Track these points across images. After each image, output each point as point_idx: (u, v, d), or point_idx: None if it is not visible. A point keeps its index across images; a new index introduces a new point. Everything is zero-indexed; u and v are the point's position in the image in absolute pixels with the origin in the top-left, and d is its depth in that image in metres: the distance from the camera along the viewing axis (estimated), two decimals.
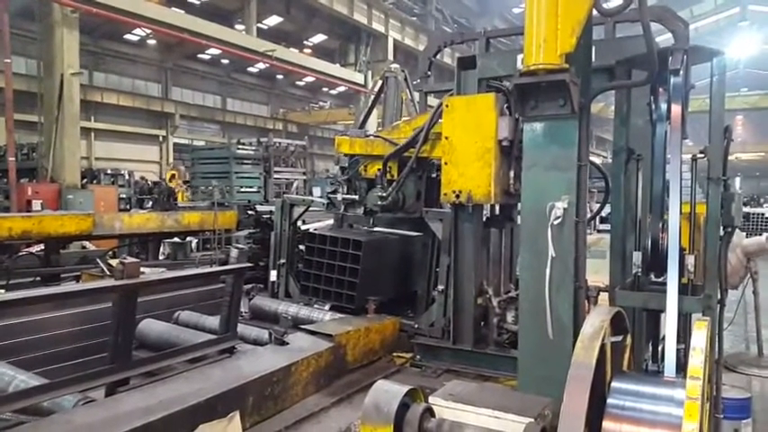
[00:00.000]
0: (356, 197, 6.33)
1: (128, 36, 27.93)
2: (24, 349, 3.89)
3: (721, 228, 3.34)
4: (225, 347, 4.32)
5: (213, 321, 5.06)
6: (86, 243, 10.80)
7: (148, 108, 29.16)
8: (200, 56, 31.19)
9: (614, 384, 2.14)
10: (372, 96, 7.19)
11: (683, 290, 3.44)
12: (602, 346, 2.10)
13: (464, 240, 5.29)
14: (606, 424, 2.05)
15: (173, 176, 15.38)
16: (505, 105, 4.71)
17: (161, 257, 11.16)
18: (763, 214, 19.68)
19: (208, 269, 5.80)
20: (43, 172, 13.02)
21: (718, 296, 3.34)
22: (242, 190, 17.19)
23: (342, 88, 31.56)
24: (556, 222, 3.04)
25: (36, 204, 11.15)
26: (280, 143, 19.71)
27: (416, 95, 6.83)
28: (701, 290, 3.36)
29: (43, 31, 13.40)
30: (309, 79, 33.09)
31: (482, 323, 5.42)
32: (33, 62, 15.81)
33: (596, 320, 2.11)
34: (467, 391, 3.01)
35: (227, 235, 9.88)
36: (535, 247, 3.14)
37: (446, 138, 4.90)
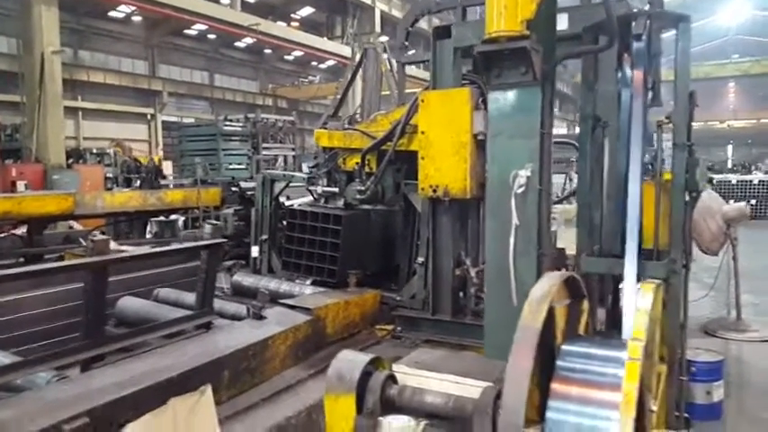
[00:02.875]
0: (336, 190, 6.30)
1: (112, 13, 27.53)
2: None
3: (686, 193, 3.36)
4: (201, 323, 4.35)
5: (192, 298, 5.07)
6: (73, 223, 10.80)
7: (135, 86, 28.88)
8: (186, 32, 30.79)
9: (564, 347, 2.17)
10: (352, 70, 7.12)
11: (648, 255, 3.47)
12: (551, 310, 2.12)
13: (441, 215, 5.31)
14: (555, 386, 2.09)
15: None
16: (480, 99, 4.69)
17: (148, 236, 11.17)
18: (751, 181, 19.74)
19: (180, 245, 5.79)
20: (27, 152, 12.93)
21: (683, 261, 3.37)
22: (230, 167, 17.12)
23: (331, 62, 31.34)
24: (519, 191, 3.05)
25: (20, 185, 11.08)
26: (267, 119, 19.60)
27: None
28: (667, 255, 3.39)
29: (21, 9, 13.17)
30: (298, 54, 32.77)
31: (461, 293, 5.46)
32: (14, 41, 15.59)
33: (545, 285, 2.13)
34: (432, 358, 3.05)
35: (216, 213, 9.88)
36: (500, 215, 3.15)
37: (422, 132, 4.90)
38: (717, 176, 20.32)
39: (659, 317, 2.32)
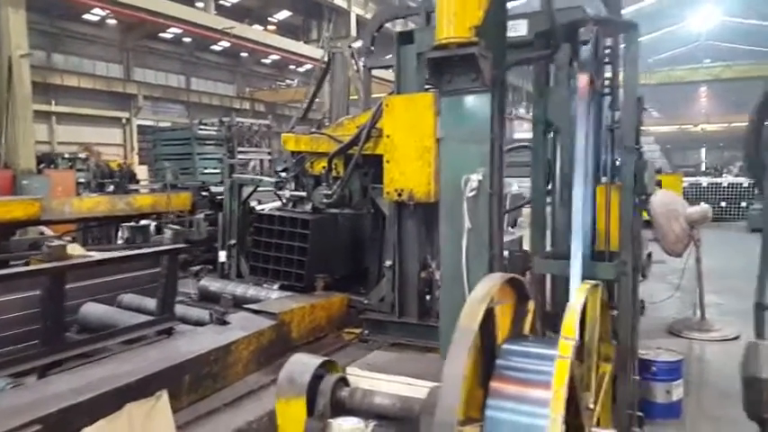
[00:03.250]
0: (304, 194, 6.32)
1: (86, 16, 27.20)
2: None
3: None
4: (162, 329, 4.34)
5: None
6: (45, 228, 10.66)
7: (110, 90, 28.54)
8: (161, 35, 30.54)
9: (504, 346, 2.22)
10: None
11: (600, 257, 3.55)
12: (491, 311, 2.17)
13: (407, 218, 5.35)
14: (493, 384, 2.14)
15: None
16: None
17: (120, 241, 11.07)
18: (720, 184, 20.09)
19: (139, 251, 5.76)
20: None
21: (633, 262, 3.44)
22: (205, 171, 16.97)
23: (309, 66, 31.23)
24: (471, 194, 3.10)
25: None
26: (242, 123, 19.44)
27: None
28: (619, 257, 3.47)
29: None
30: (275, 57, 32.67)
31: (427, 296, 5.50)
32: None
33: (484, 287, 2.18)
34: (385, 360, 3.10)
35: (188, 218, 9.83)
36: (453, 218, 3.20)
37: (387, 136, 4.94)
38: (689, 179, 20.67)
39: (597, 317, 2.38)
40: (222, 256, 6.60)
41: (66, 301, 3.54)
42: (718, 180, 21.09)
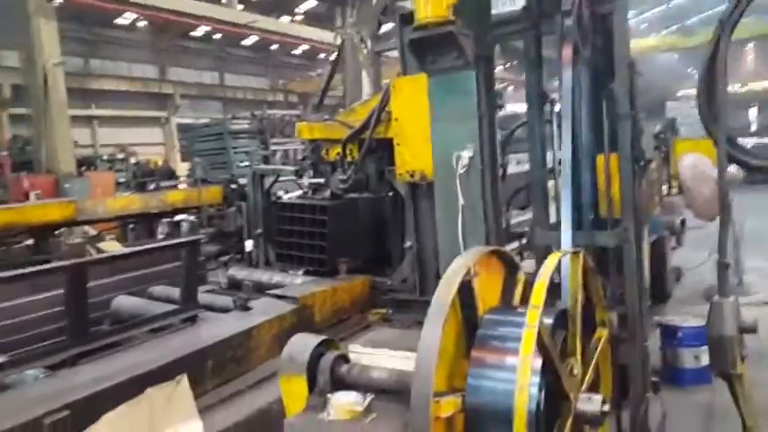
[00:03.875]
0: (322, 180, 6.42)
1: (118, 20, 27.91)
2: None
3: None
4: (186, 317, 4.52)
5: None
6: (88, 228, 11.12)
7: (147, 90, 29.30)
8: (192, 34, 31.08)
9: (486, 317, 2.28)
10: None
11: (602, 225, 3.55)
12: (468, 283, 2.23)
13: (422, 199, 5.40)
14: (473, 353, 2.20)
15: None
16: None
17: (160, 236, 11.47)
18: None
19: (158, 244, 5.98)
20: (38, 163, 13.31)
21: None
22: (240, 164, 17.32)
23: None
24: (462, 171, 3.14)
25: (32, 196, 11.42)
26: (274, 115, 19.73)
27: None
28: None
29: (20, 23, 13.49)
30: (305, 47, 32.88)
31: None
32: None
33: (460, 261, 2.23)
34: (388, 337, 3.17)
35: (221, 212, 10.14)
36: (446, 196, 3.25)
37: (396, 119, 4.98)
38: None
39: (578, 284, 2.40)
40: (249, 245, 6.79)
41: (88, 296, 3.74)
42: (765, 140, 20.31)
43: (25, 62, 13.83)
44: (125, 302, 5.07)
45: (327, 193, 6.34)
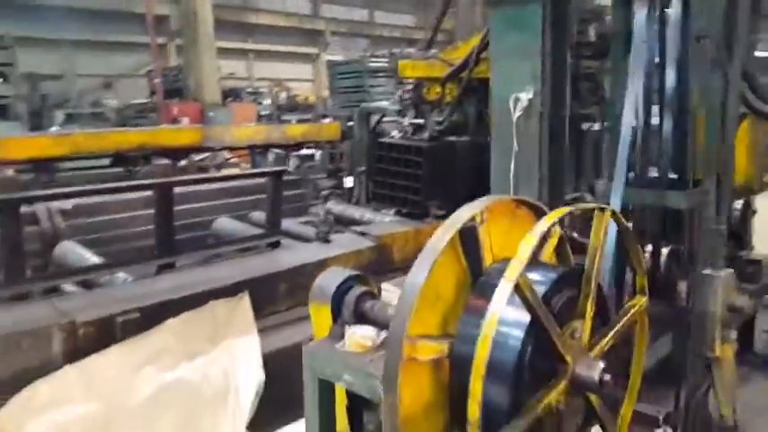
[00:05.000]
0: (422, 121, 6.34)
1: None
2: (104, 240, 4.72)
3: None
4: (270, 242, 4.82)
5: (286, 223, 5.56)
6: (226, 153, 12.00)
7: (300, 26, 30.30)
8: None
9: (494, 267, 2.20)
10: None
11: (683, 185, 3.22)
12: (473, 230, 2.17)
13: None
14: (470, 300, 2.16)
15: None
16: None
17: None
18: None
19: (245, 171, 6.32)
20: (187, 91, 14.44)
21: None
22: (377, 102, 17.55)
23: None
24: (519, 114, 2.97)
25: (184, 121, 12.48)
26: (411, 52, 19.60)
27: None
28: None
29: None
30: None
31: None
32: None
33: (466, 207, 2.17)
34: None
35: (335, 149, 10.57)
36: (502, 140, 3.11)
37: None
38: None
39: (600, 242, 2.22)
40: (349, 181, 6.98)
41: (173, 213, 4.09)
42: None
43: None
44: (225, 224, 5.50)
45: (426, 135, 6.29)
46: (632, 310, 2.56)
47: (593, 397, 2.33)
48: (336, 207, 6.54)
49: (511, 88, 3.04)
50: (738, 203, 4.54)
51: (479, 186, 6.42)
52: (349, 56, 31.79)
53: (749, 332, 4.46)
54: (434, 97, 5.99)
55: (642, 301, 2.62)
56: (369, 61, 18.35)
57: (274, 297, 4.37)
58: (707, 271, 2.82)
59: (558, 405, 2.14)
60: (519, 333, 2.02)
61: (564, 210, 2.10)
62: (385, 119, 7.36)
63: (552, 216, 2.07)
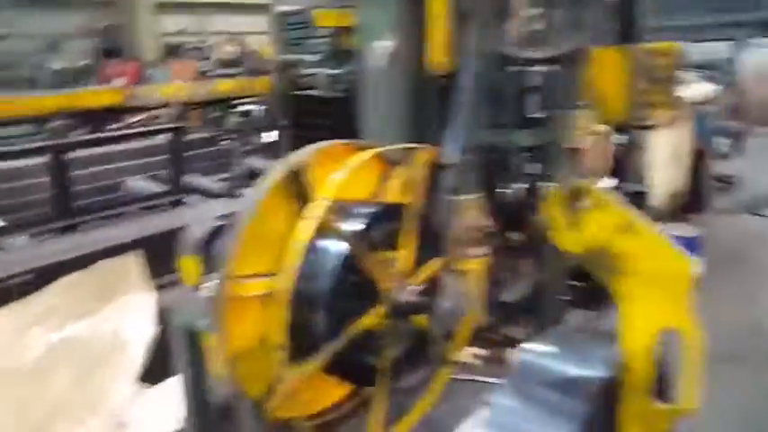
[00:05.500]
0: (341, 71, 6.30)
1: None
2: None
3: None
4: (172, 200, 4.88)
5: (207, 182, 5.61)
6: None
7: None
8: None
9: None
10: None
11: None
12: (299, 175, 2.31)
13: None
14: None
15: None
16: None
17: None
18: None
19: (141, 129, 6.34)
20: (127, 51, 14.00)
21: None
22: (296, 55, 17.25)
23: None
24: (379, 63, 3.03)
25: (117, 82, 12.17)
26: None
27: None
28: None
29: None
30: None
31: None
32: None
33: (296, 153, 2.33)
34: None
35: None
36: (366, 88, 3.16)
37: None
38: None
39: (418, 178, 2.36)
40: (267, 136, 7.00)
41: (69, 174, 4.13)
42: None
43: None
44: (135, 185, 5.53)
45: (342, 86, 6.30)
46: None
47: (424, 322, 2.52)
48: (258, 162, 6.59)
49: (371, 37, 3.08)
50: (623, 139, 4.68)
51: None
52: (306, 7, 30.93)
53: None
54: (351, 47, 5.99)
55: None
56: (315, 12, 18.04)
57: (172, 254, 4.45)
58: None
59: (378, 328, 2.33)
60: (332, 263, 2.18)
61: (382, 149, 2.22)
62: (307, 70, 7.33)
63: (366, 154, 2.20)
